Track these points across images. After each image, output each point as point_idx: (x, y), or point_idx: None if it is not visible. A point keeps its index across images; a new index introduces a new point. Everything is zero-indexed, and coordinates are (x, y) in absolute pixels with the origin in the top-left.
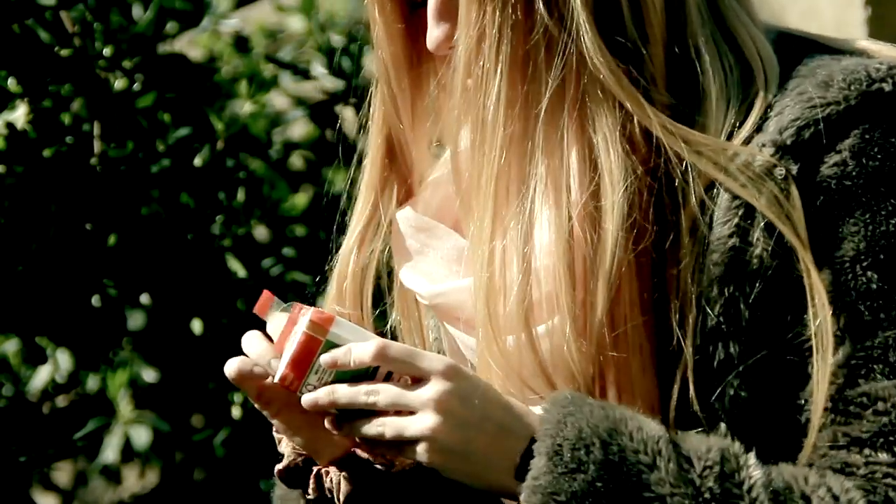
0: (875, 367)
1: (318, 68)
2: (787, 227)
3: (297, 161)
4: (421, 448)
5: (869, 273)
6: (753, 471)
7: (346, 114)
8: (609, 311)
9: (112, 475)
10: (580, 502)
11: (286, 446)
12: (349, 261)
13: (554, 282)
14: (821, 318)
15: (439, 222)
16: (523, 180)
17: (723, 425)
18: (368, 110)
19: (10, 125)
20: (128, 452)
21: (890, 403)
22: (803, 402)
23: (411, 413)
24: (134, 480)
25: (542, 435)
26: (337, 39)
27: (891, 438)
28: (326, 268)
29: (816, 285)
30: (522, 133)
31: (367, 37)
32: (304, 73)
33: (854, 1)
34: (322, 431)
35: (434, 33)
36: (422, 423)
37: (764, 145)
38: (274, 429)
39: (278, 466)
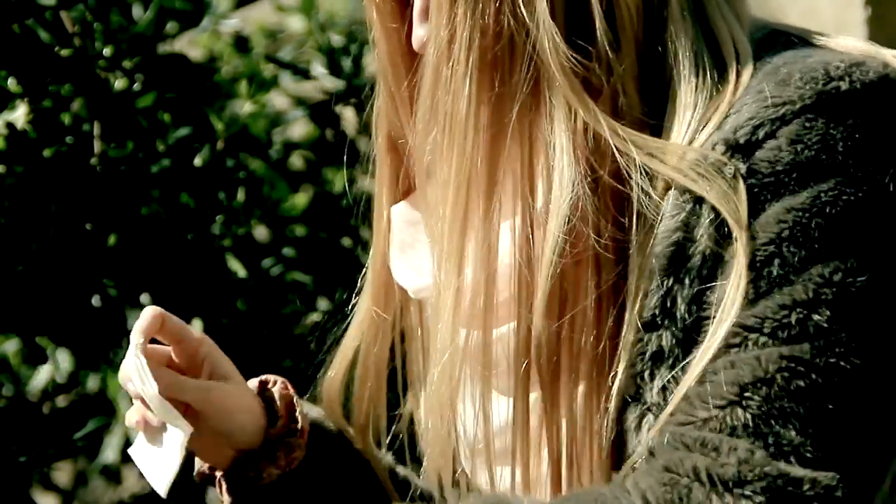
0: (749, 336)
1: (318, 68)
2: (732, 221)
3: (297, 161)
4: None
5: (778, 258)
6: None
7: (346, 114)
8: (550, 315)
9: (112, 475)
10: None
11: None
12: (380, 262)
13: (509, 286)
14: (730, 293)
15: None
16: (492, 183)
17: (651, 417)
18: (373, 109)
19: (10, 125)
20: (128, 452)
21: (749, 369)
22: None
23: None
24: (134, 480)
25: None
26: (337, 39)
27: (744, 404)
28: (363, 272)
29: (741, 266)
30: (491, 137)
31: (368, 37)
32: (304, 73)
33: (854, 1)
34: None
35: (418, 33)
36: None
37: (716, 144)
38: None
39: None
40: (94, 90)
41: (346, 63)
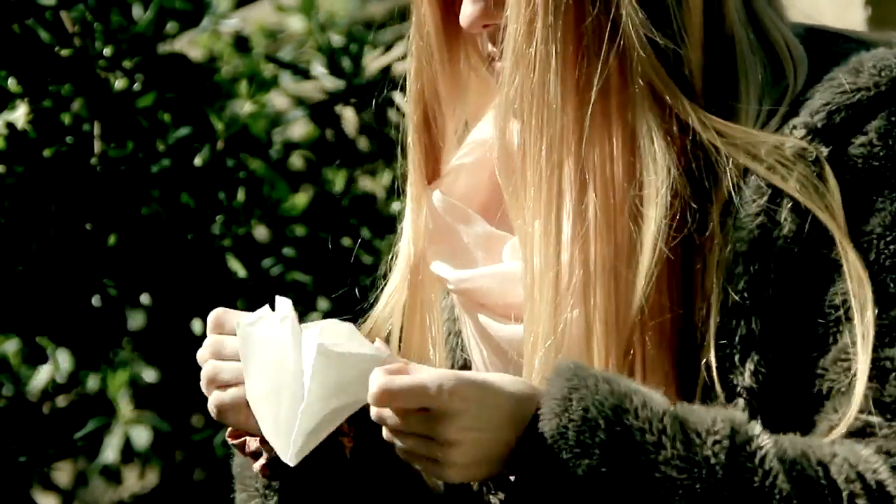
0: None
1: (318, 68)
2: (818, 207)
3: (297, 161)
4: (443, 471)
5: (892, 247)
6: (763, 440)
7: (346, 114)
8: (645, 298)
9: (112, 475)
10: (584, 486)
11: (255, 443)
12: (410, 247)
13: (595, 269)
14: (853, 289)
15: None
16: (579, 166)
17: (741, 401)
18: (382, 107)
19: (10, 125)
20: (128, 452)
21: None
22: (822, 371)
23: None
24: (134, 480)
25: (546, 413)
26: (337, 39)
27: None
28: (393, 249)
29: (853, 261)
30: (578, 118)
31: (367, 37)
32: (304, 73)
33: (854, 1)
34: None
35: (468, 10)
36: (438, 452)
37: (795, 128)
38: (231, 435)
39: (260, 463)
40: (94, 90)
41: (346, 63)
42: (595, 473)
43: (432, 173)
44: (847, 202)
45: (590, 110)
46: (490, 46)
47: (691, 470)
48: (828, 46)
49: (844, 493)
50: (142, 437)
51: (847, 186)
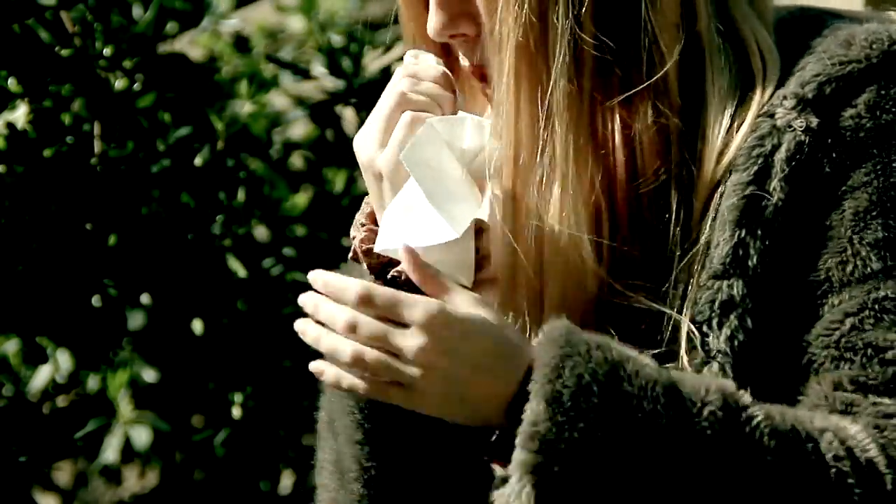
0: (884, 316)
1: (318, 68)
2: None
3: (297, 161)
4: (406, 395)
5: (878, 221)
6: (754, 411)
7: (346, 114)
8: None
9: (112, 475)
10: (579, 450)
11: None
12: None
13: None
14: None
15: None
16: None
17: (715, 365)
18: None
19: (10, 125)
20: (128, 452)
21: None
22: (806, 344)
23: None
24: (134, 480)
25: (540, 378)
26: (337, 39)
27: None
28: None
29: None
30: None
31: (367, 37)
32: (304, 73)
33: (854, 1)
34: None
35: (432, 21)
36: (406, 373)
37: (785, 98)
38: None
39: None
40: (94, 90)
41: (346, 63)
42: (590, 438)
43: None
44: (836, 175)
45: (544, 115)
46: (463, 57)
47: (685, 440)
48: (820, 23)
49: (833, 472)
50: (142, 437)
51: (836, 159)
